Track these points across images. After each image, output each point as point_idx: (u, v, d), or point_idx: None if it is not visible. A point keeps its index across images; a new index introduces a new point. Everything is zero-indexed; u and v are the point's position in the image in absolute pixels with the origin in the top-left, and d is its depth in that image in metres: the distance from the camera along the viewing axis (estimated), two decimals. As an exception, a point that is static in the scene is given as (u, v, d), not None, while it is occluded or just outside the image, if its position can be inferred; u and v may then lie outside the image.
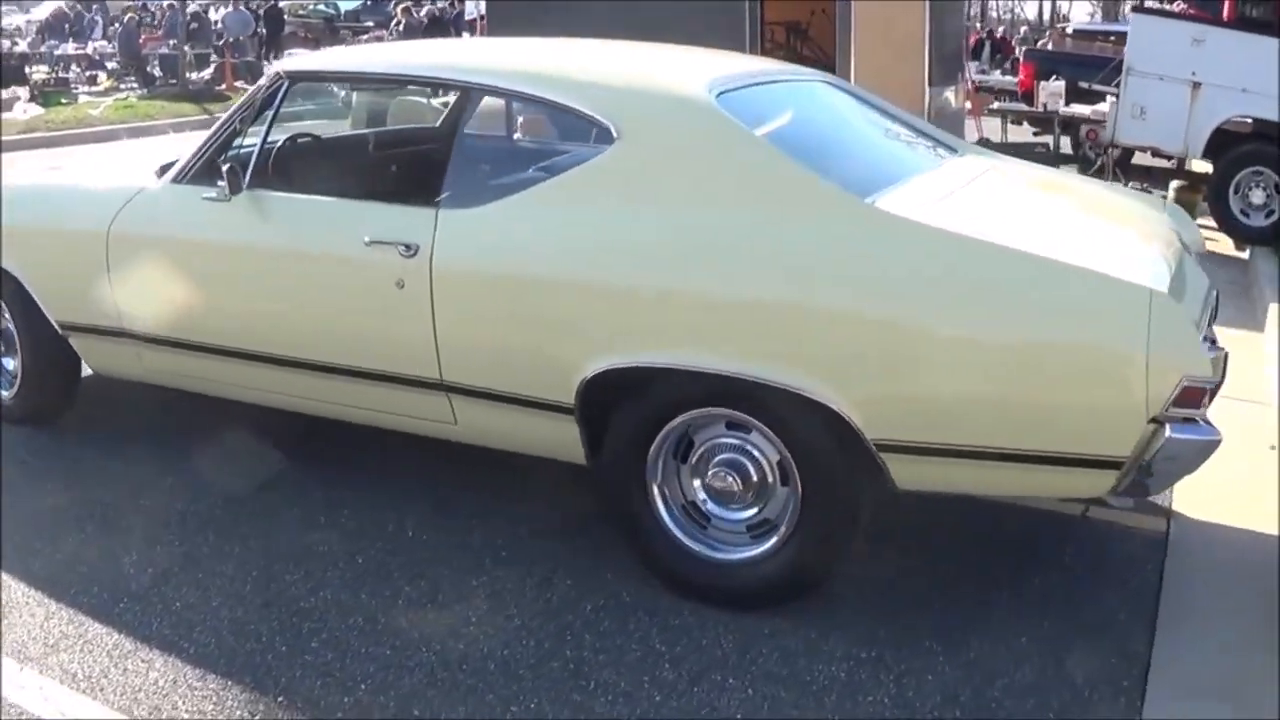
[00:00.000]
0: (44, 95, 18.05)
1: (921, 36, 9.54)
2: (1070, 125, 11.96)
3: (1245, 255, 8.89)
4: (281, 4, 34.87)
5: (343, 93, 5.53)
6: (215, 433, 4.63)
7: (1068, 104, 11.99)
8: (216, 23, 27.20)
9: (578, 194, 3.48)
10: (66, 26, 30.42)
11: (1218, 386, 2.99)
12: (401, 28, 22.86)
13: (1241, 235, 9.21)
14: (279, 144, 4.20)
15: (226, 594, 3.55)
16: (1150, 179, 10.50)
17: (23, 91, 18.61)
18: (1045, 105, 12.34)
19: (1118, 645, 3.23)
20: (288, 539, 3.89)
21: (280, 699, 3.01)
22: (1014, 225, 3.34)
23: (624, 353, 3.32)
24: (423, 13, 25.71)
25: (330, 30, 32.80)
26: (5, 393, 4.92)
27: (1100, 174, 10.48)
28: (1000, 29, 36.62)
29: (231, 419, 4.58)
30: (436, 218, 3.61)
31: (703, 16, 9.88)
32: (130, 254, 4.27)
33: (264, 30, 27.47)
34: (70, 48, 26.28)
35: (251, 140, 4.20)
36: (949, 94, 10.70)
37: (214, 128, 4.26)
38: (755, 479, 3.33)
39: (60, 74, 21.73)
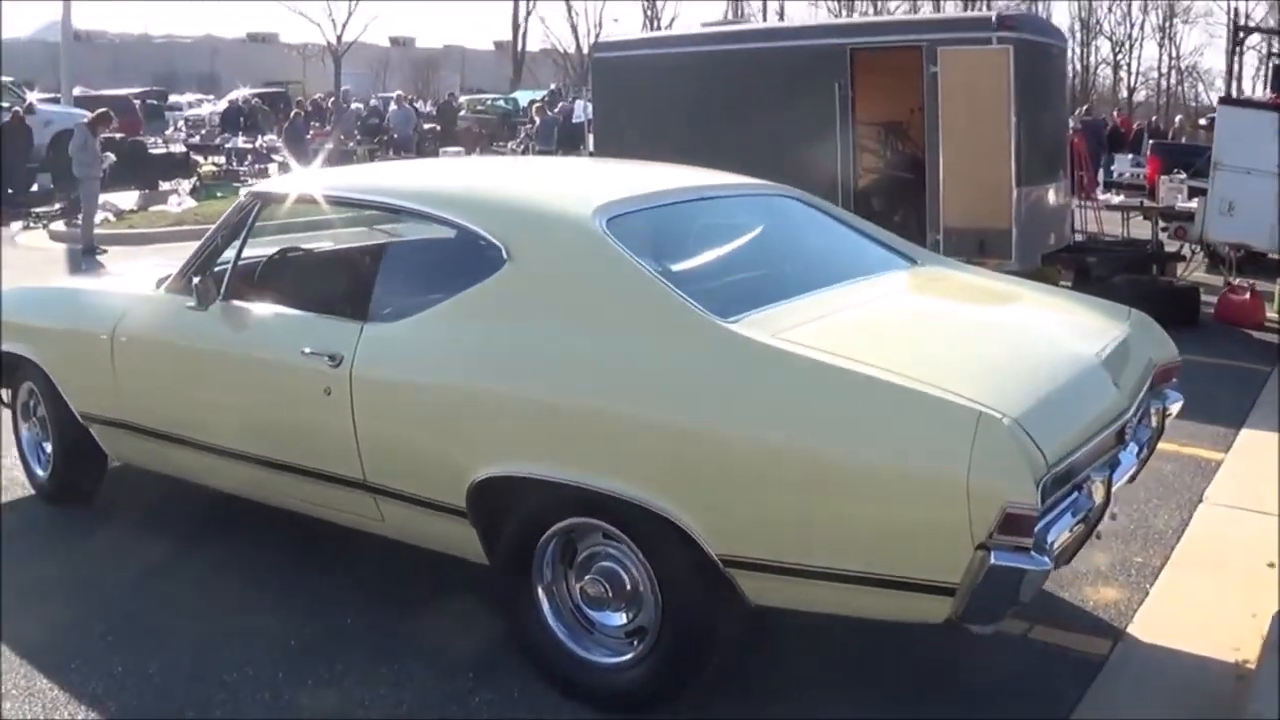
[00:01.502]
0: (205, 188, 19.15)
1: (1006, 137, 9.49)
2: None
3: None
4: (462, 99, 36.66)
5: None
6: (222, 519, 4.98)
7: (1189, 198, 11.69)
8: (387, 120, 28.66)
9: (470, 312, 3.76)
10: (241, 120, 32.27)
11: (1045, 513, 2.96)
12: (534, 127, 23.71)
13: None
14: (247, 259, 4.57)
15: (163, 663, 3.88)
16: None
17: (186, 184, 19.73)
18: (1162, 199, 12.12)
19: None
20: (236, 620, 4.19)
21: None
22: (877, 346, 3.40)
23: (501, 462, 3.56)
24: (556, 110, 26.65)
25: (506, 124, 33.74)
26: (41, 473, 5.40)
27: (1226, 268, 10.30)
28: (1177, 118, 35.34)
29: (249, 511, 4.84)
30: (360, 331, 3.90)
31: (795, 116, 10.11)
32: (128, 354, 4.70)
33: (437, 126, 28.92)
34: (241, 141, 27.78)
35: (248, 252, 4.61)
36: (1051, 191, 10.56)
37: (200, 243, 4.67)
38: (628, 587, 3.49)
39: (232, 167, 23.02)
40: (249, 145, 26.36)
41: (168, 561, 4.74)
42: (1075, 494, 3.22)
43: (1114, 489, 3.49)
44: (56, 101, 24.18)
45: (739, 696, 3.61)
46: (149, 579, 4.58)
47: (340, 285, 4.16)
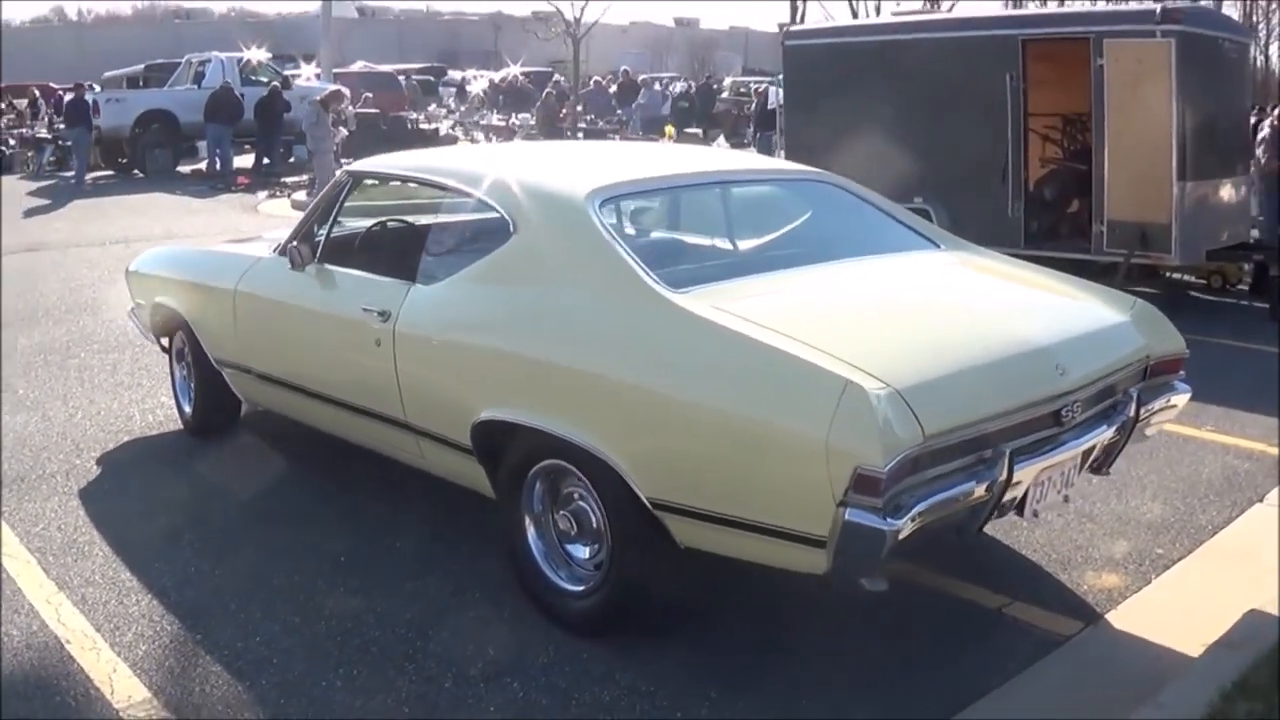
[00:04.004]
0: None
1: (1169, 130, 9.33)
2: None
3: None
4: (726, 81, 37.10)
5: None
6: (326, 456, 5.67)
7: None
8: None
9: (483, 277, 4.31)
10: (500, 98, 33.61)
11: (896, 477, 3.16)
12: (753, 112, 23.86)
13: None
14: (340, 228, 5.22)
15: (229, 568, 4.56)
16: None
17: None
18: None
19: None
20: (303, 536, 4.86)
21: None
22: (805, 319, 3.74)
23: (494, 407, 4.09)
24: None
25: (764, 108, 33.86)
26: (188, 409, 6.26)
27: None
28: None
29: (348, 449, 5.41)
30: (408, 292, 4.49)
31: (968, 106, 10.19)
32: (246, 307, 5.44)
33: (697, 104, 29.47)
34: (495, 118, 29.02)
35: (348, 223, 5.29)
36: (1226, 187, 10.28)
37: (304, 212, 5.36)
38: (594, 525, 3.95)
39: (489, 141, 24.05)
40: (502, 123, 27.63)
41: (269, 489, 5.47)
42: (980, 466, 3.47)
43: (1057, 469, 3.74)
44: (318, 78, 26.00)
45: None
46: (248, 502, 5.32)
47: (403, 252, 4.75)
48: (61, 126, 22.84)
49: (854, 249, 4.61)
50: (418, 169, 5.05)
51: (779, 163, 5.23)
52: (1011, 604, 4.32)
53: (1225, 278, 10.76)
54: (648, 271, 3.84)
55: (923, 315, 4.05)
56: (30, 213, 17.09)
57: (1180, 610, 4.27)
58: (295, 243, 5.10)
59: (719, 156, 5.27)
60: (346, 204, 5.15)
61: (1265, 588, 4.28)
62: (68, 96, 21.98)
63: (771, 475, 3.36)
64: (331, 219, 5.14)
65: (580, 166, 4.79)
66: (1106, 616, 4.25)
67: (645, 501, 3.64)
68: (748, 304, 3.74)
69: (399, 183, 5.09)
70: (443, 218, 4.91)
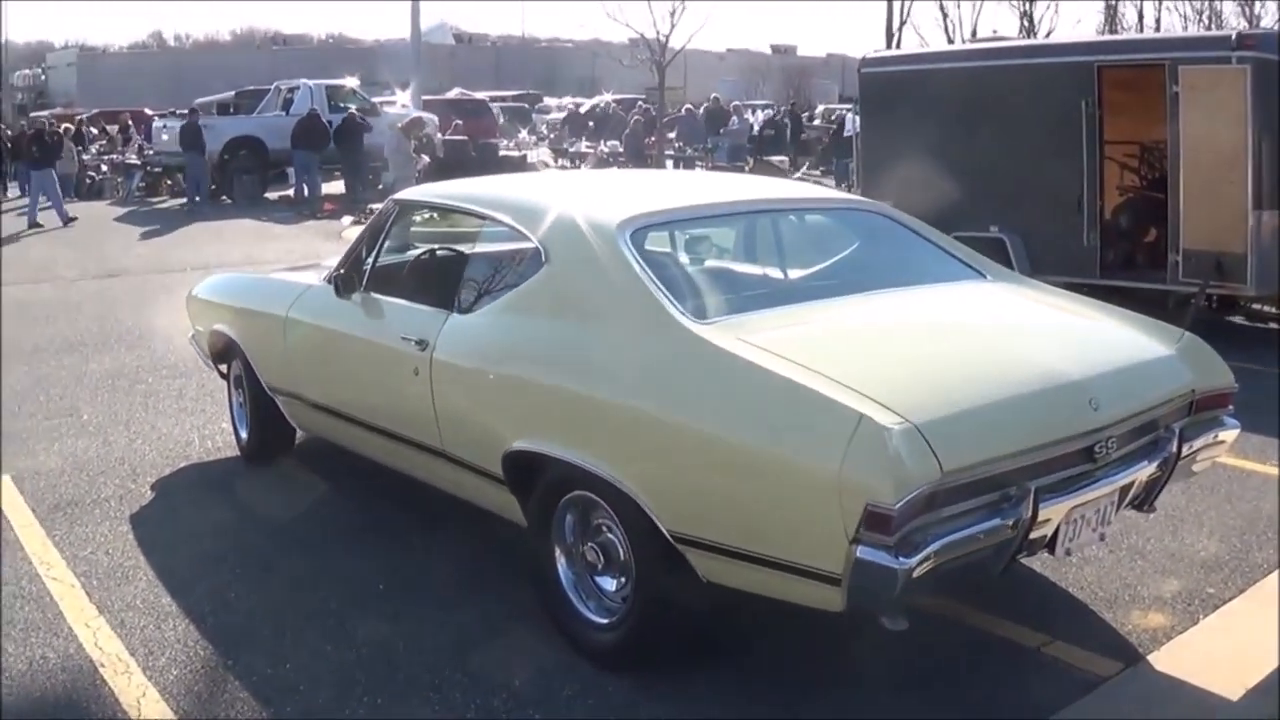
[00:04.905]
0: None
1: (1244, 158, 9.10)
2: None
3: None
4: (819, 108, 37.07)
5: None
6: (377, 486, 5.72)
7: None
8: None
9: (516, 307, 4.33)
10: (591, 124, 33.78)
11: (908, 514, 3.10)
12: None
13: None
14: (387, 256, 5.28)
15: (265, 594, 4.63)
16: None
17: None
18: None
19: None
20: (342, 564, 4.91)
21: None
22: (828, 353, 3.68)
23: (525, 438, 4.10)
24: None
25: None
26: (244, 435, 6.35)
27: None
28: None
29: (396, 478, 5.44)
30: (445, 321, 4.52)
31: (1044, 133, 10.05)
32: (296, 334, 5.52)
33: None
34: (584, 145, 29.19)
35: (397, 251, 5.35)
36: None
37: (353, 240, 5.43)
38: (622, 558, 3.93)
39: (570, 167, 24.33)
40: (590, 149, 27.81)
41: (315, 514, 5.55)
42: (1004, 504, 3.39)
43: (1091, 506, 3.64)
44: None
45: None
46: (293, 527, 5.39)
47: (443, 281, 4.78)
48: (151, 152, 23.49)
49: (893, 280, 4.54)
50: (460, 198, 5.08)
51: (826, 191, 5.18)
52: (1052, 643, 4.21)
53: (1302, 307, 10.45)
54: (673, 302, 3.82)
55: (953, 347, 3.97)
56: (114, 237, 17.56)
57: (1224, 653, 4.13)
58: (342, 271, 5.17)
59: (765, 186, 5.26)
60: (394, 232, 5.21)
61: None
62: (157, 123, 22.56)
63: (788, 510, 3.32)
64: (378, 247, 5.20)
65: (616, 196, 4.78)
66: (1148, 658, 4.13)
67: (667, 535, 3.62)
68: (772, 335, 3.71)
69: (444, 212, 5.14)
70: (482, 247, 4.94)
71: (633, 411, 3.72)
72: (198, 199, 21.54)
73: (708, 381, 3.59)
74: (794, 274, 4.70)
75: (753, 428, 3.42)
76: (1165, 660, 4.10)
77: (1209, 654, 4.11)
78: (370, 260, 5.19)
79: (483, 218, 4.82)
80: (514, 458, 4.12)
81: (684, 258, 4.31)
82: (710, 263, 4.48)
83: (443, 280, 4.79)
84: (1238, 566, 4.89)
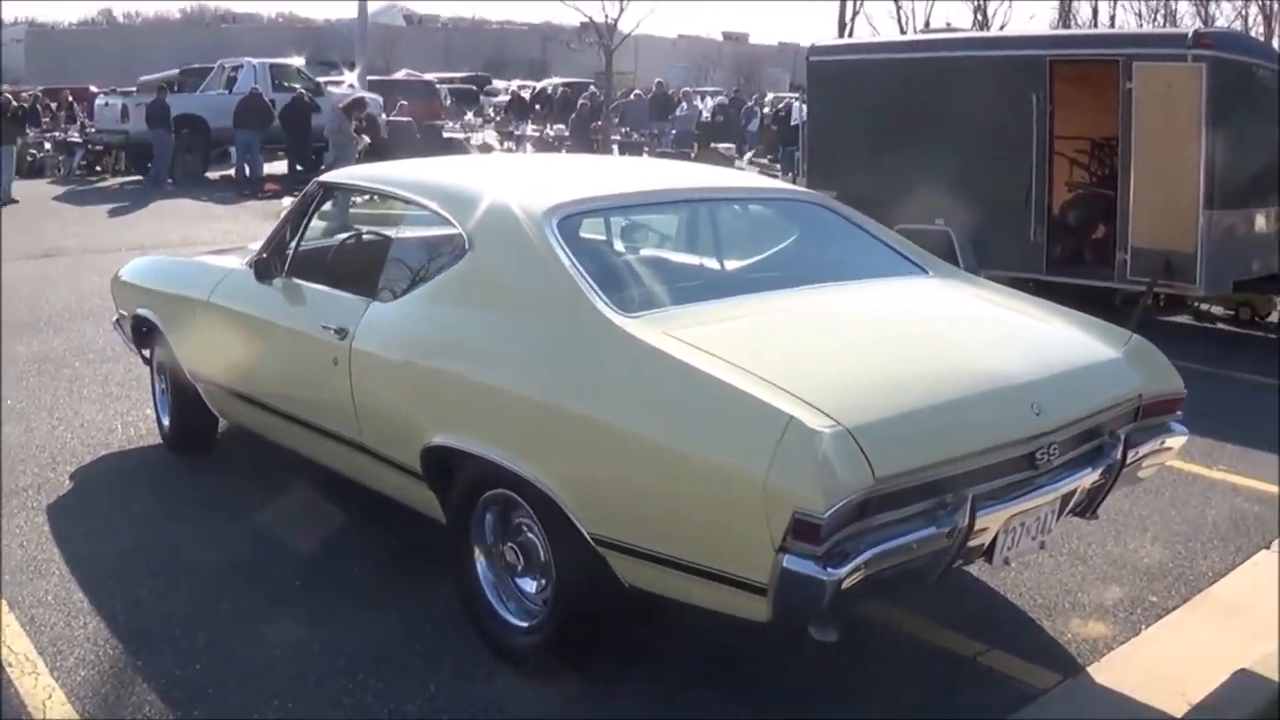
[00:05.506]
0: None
1: (1197, 158, 9.04)
2: None
3: None
4: (768, 96, 37.01)
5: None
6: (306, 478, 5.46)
7: None
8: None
9: (437, 295, 4.14)
10: (538, 107, 33.51)
11: (837, 524, 2.96)
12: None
13: None
14: (309, 241, 5.07)
15: (182, 591, 4.42)
16: None
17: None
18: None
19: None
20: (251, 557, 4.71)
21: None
22: (758, 349, 3.52)
23: (441, 434, 3.91)
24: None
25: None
26: (167, 422, 6.12)
27: None
28: None
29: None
30: (365, 309, 4.32)
31: (993, 127, 9.96)
32: (217, 320, 5.30)
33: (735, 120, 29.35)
34: (530, 129, 29.02)
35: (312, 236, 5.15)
36: (1258, 216, 9.97)
37: (276, 224, 5.22)
38: (542, 558, 3.75)
39: (512, 151, 24.10)
40: (536, 133, 27.55)
41: (236, 508, 5.29)
42: (940, 511, 3.24)
43: (1031, 514, 3.51)
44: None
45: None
46: (212, 521, 5.17)
47: (365, 267, 4.58)
48: (93, 130, 22.99)
49: (832, 274, 4.38)
50: (385, 181, 4.87)
51: (766, 181, 5.02)
52: (988, 651, 4.09)
53: (1254, 310, 10.43)
54: (599, 293, 3.65)
55: (890, 346, 3.81)
56: (52, 217, 17.13)
57: (1167, 665, 4.01)
58: (264, 255, 4.95)
59: (705, 174, 5.07)
60: (318, 215, 5.00)
61: (1261, 643, 4.06)
62: (99, 100, 22.05)
63: (712, 516, 3.16)
64: (301, 231, 4.99)
65: (546, 181, 4.60)
66: (1088, 669, 4.01)
67: (587, 536, 3.45)
68: (702, 330, 3.55)
69: (370, 195, 4.94)
70: (405, 232, 4.74)
71: (554, 408, 3.55)
72: (170, 181, 21.10)
73: (631, 378, 3.43)
74: (730, 266, 4.54)
75: (676, 428, 3.26)
76: (1105, 673, 3.98)
77: (1151, 667, 3.99)
78: (293, 244, 4.98)
79: (408, 202, 4.62)
80: (432, 453, 3.94)
81: (619, 247, 4.13)
82: (645, 253, 4.31)
83: (365, 267, 4.60)
84: (1182, 574, 4.78)
